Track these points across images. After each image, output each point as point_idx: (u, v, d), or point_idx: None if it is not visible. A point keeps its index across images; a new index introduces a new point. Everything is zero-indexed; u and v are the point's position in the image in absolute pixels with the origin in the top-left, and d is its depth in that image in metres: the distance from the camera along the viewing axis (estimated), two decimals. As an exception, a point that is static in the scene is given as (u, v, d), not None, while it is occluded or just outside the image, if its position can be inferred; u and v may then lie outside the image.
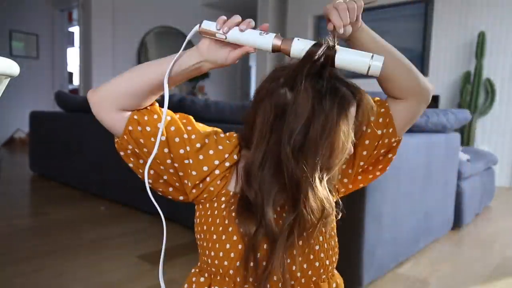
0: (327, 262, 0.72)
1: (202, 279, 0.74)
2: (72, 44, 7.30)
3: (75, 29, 7.17)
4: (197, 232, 0.74)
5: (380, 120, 0.76)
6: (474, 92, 3.74)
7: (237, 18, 0.66)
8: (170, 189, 0.75)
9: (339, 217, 0.74)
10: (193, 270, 0.80)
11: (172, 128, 0.70)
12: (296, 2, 5.11)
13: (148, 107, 0.71)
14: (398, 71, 0.73)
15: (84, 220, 2.31)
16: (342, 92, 0.63)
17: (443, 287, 1.58)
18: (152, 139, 0.69)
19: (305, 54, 0.63)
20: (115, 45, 5.47)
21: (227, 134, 0.76)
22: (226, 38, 0.66)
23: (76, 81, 7.40)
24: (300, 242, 0.69)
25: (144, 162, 0.71)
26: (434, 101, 4.13)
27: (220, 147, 0.71)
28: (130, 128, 0.69)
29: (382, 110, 0.76)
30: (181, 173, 0.71)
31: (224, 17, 0.66)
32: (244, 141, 0.71)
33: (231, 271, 0.69)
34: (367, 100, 0.68)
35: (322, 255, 0.71)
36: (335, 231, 0.77)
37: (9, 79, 0.71)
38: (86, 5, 5.16)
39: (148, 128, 0.68)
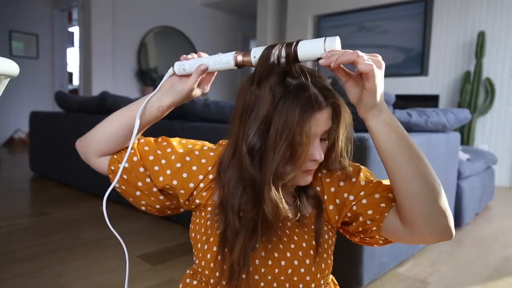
0: (308, 278, 0.70)
1: (195, 282, 0.76)
2: (72, 44, 7.30)
3: (75, 29, 7.17)
4: (190, 234, 0.76)
5: (370, 212, 0.67)
6: (474, 92, 3.74)
7: (189, 55, 0.71)
8: (168, 211, 0.79)
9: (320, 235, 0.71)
10: (187, 271, 0.81)
11: (151, 158, 0.73)
12: (296, 2, 5.11)
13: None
14: (413, 189, 0.60)
15: (84, 220, 2.31)
16: (309, 92, 0.59)
17: (443, 287, 1.58)
18: (133, 174, 0.72)
19: (259, 58, 0.62)
20: (115, 45, 5.47)
21: (220, 142, 0.77)
22: (185, 71, 0.70)
23: (76, 81, 7.41)
24: (270, 246, 0.69)
25: (137, 195, 0.74)
26: (434, 101, 4.13)
27: (203, 161, 0.72)
28: (112, 168, 0.74)
29: (377, 217, 0.67)
30: (170, 192, 0.74)
31: (185, 55, 0.71)
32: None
33: (212, 280, 0.71)
34: (344, 110, 0.63)
35: (302, 270, 0.70)
36: (328, 251, 0.73)
37: (9, 79, 0.71)
38: (86, 5, 5.16)
39: (127, 164, 0.72)
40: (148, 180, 0.72)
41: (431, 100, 4.15)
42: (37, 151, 3.60)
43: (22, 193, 3.06)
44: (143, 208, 0.76)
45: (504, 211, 2.83)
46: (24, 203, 2.79)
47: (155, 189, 0.73)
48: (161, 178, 0.71)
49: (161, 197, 0.74)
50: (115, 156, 0.74)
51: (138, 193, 0.74)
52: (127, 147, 0.74)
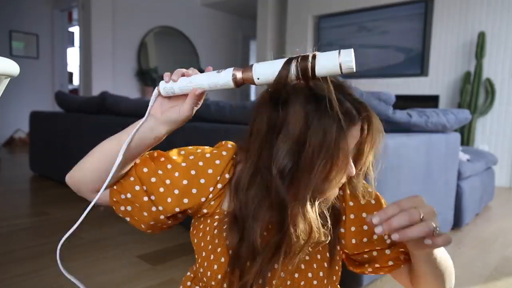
0: None
1: None
2: (72, 44, 7.30)
3: (75, 29, 7.17)
4: (191, 238, 0.74)
5: (390, 263, 0.72)
6: (474, 92, 3.74)
7: (181, 70, 0.64)
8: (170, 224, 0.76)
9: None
10: (188, 273, 0.79)
11: (153, 180, 0.67)
12: (296, 2, 5.11)
13: None
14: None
15: (84, 220, 2.30)
16: (344, 107, 0.57)
17: (443, 287, 1.58)
18: (137, 204, 0.68)
19: (277, 78, 0.57)
20: (115, 45, 5.47)
21: (222, 142, 0.72)
22: (174, 94, 0.65)
23: (76, 81, 7.41)
24: (290, 267, 0.66)
25: (143, 227, 0.71)
26: (434, 101, 4.13)
27: (210, 171, 0.67)
28: (114, 199, 0.70)
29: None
30: (179, 215, 0.70)
31: (169, 73, 0.65)
32: (244, 149, 0.67)
33: None
34: (376, 120, 0.61)
35: (315, 282, 0.69)
36: (339, 262, 0.74)
37: (9, 79, 0.71)
38: (86, 5, 5.16)
39: (129, 195, 0.68)
40: (154, 209, 0.67)
41: (431, 101, 4.15)
42: (37, 151, 3.60)
43: (22, 193, 3.06)
44: (148, 231, 0.73)
45: (504, 212, 2.83)
46: (24, 203, 2.79)
47: (162, 217, 0.68)
48: (169, 200, 0.66)
49: (169, 222, 0.70)
50: (114, 187, 0.69)
51: (143, 226, 0.70)
52: (125, 174, 0.69)
